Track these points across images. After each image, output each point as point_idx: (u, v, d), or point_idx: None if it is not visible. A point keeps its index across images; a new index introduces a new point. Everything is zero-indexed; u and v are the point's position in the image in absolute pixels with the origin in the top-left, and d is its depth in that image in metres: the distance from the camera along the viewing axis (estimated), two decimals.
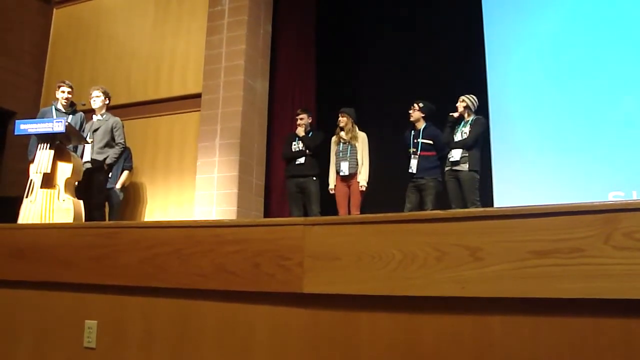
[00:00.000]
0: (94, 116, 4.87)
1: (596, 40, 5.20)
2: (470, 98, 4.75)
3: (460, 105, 4.71)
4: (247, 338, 1.91)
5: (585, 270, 1.45)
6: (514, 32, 5.64)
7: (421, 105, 4.91)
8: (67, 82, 4.96)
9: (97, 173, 4.65)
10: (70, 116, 4.80)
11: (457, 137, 4.66)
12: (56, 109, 4.83)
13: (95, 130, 4.73)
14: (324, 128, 5.43)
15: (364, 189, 4.92)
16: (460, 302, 1.58)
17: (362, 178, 4.92)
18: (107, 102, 4.90)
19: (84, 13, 7.22)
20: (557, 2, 5.57)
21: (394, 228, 1.71)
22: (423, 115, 4.90)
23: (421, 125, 4.90)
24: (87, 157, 4.66)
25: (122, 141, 4.78)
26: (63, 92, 4.86)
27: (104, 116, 4.82)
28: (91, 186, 4.61)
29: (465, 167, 4.55)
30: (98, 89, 4.90)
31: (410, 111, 4.93)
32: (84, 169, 4.55)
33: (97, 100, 4.84)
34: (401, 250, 1.66)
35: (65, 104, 4.86)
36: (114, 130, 4.75)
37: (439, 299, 1.61)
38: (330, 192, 5.06)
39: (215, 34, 6.04)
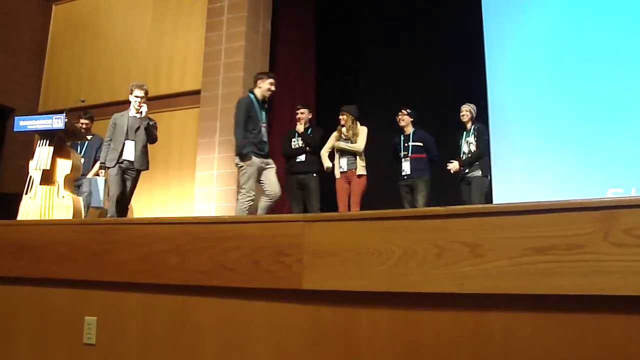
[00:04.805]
0: (130, 113, 4.63)
1: (595, 39, 5.19)
2: (471, 107, 5.04)
3: (466, 115, 5.01)
4: (246, 334, 1.91)
5: (584, 266, 1.45)
6: (513, 31, 5.62)
7: (409, 110, 5.12)
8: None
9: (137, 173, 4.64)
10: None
11: (464, 147, 4.96)
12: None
13: (136, 129, 4.59)
14: (324, 126, 5.41)
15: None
16: (460, 298, 1.59)
17: (357, 145, 4.90)
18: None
19: (83, 9, 7.21)
20: (556, 1, 5.55)
21: (394, 224, 1.71)
22: (411, 119, 5.11)
23: (410, 130, 5.11)
24: (128, 155, 4.55)
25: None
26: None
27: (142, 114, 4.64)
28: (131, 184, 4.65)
29: (478, 173, 4.87)
30: (142, 90, 4.64)
31: (399, 117, 5.12)
32: (124, 166, 4.53)
33: (142, 104, 4.62)
34: (400, 247, 1.66)
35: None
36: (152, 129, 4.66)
37: (438, 295, 1.61)
38: (326, 170, 4.99)
39: (214, 31, 6.02)
